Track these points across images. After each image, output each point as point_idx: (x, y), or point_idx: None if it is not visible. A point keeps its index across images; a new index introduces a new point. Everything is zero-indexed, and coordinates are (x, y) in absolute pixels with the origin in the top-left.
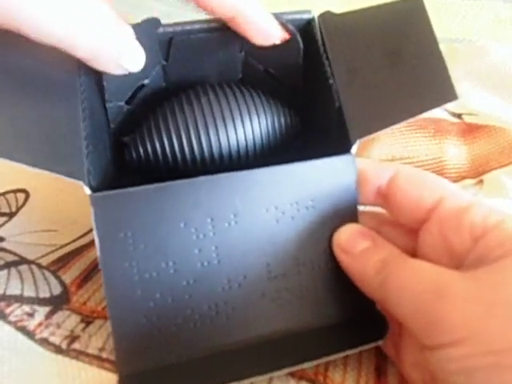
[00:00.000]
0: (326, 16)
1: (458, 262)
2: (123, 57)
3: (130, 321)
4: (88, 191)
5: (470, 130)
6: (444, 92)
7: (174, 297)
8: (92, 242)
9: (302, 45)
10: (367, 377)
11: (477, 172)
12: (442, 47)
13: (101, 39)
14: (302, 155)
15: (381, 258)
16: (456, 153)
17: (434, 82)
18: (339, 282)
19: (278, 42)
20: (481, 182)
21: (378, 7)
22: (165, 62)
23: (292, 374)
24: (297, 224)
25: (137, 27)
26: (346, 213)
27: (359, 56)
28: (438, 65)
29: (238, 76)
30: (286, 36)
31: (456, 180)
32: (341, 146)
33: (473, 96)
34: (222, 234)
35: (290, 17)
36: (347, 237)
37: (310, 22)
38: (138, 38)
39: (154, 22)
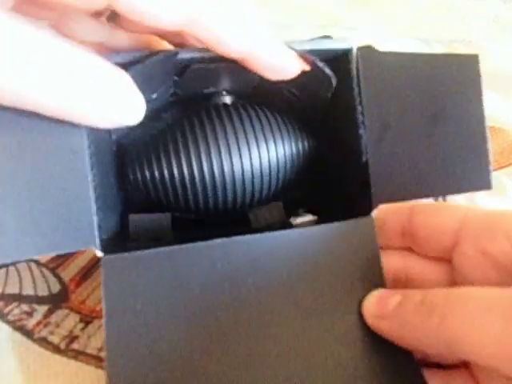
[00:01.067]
0: (367, 51)
1: (508, 272)
2: (121, 113)
3: None
4: (100, 254)
5: None
6: (479, 180)
7: (185, 371)
8: None
9: (334, 84)
10: None
11: None
12: (442, 47)
13: (99, 101)
14: (319, 193)
15: (418, 300)
16: None
17: (471, 165)
18: (379, 356)
19: (295, 75)
20: None
21: (430, 56)
22: (176, 78)
23: None
24: (320, 289)
25: (152, 57)
26: (372, 276)
27: (397, 110)
28: (480, 146)
29: (254, 84)
30: (306, 68)
31: None
32: (360, 197)
33: None
34: (241, 301)
35: (326, 46)
36: (375, 301)
37: (346, 53)
38: (152, 65)
39: (172, 53)
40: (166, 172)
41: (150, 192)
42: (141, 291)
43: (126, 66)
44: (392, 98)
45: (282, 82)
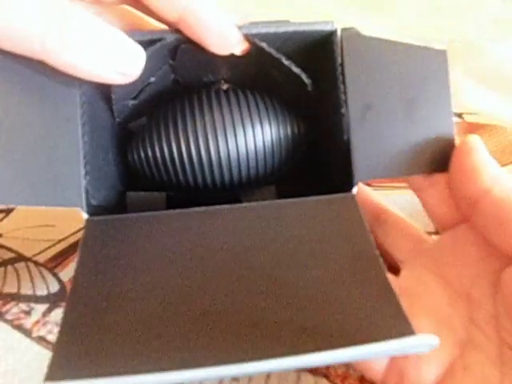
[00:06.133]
0: (350, 33)
1: None
2: (120, 62)
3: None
4: (85, 216)
5: (471, 130)
6: (444, 158)
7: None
8: None
9: (306, 78)
10: None
11: None
12: (442, 47)
13: (95, 52)
14: (306, 169)
15: None
16: None
17: (439, 145)
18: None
19: (238, 52)
20: None
21: (405, 45)
22: (172, 62)
23: None
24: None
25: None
26: (361, 248)
27: (377, 91)
28: (447, 128)
29: (251, 73)
30: (247, 48)
31: None
32: (343, 176)
33: (472, 95)
34: (213, 262)
35: (311, 28)
36: None
37: (331, 34)
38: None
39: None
40: (165, 150)
41: (146, 171)
42: (116, 251)
43: None
44: (373, 80)
45: (274, 65)
